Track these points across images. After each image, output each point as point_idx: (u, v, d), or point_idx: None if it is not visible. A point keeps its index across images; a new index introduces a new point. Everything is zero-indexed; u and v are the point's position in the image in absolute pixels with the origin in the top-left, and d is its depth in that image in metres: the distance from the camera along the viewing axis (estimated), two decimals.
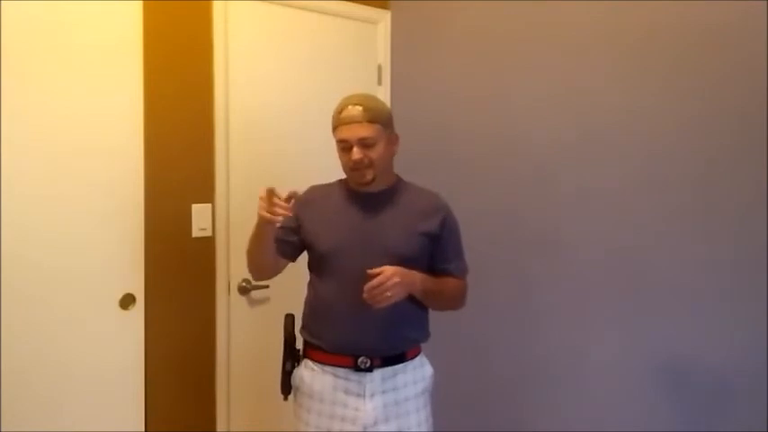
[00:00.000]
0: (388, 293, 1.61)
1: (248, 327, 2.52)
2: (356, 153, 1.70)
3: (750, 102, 1.86)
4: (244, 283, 2.49)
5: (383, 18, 2.91)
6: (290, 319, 1.85)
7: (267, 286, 2.53)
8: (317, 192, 1.90)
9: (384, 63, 2.92)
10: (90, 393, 2.14)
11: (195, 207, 2.36)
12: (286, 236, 1.84)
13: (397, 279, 1.61)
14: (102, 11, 2.10)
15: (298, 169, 2.63)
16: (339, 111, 1.74)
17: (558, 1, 2.30)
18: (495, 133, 2.53)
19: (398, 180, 1.86)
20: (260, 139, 2.53)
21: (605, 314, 2.21)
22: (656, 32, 2.06)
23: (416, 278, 1.70)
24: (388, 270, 1.61)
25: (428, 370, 1.85)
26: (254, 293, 2.53)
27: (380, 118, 1.73)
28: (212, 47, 2.37)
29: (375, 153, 1.72)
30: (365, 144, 1.71)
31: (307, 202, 1.85)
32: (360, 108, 1.70)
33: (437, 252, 1.81)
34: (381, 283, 1.59)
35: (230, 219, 2.45)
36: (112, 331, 2.18)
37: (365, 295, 1.60)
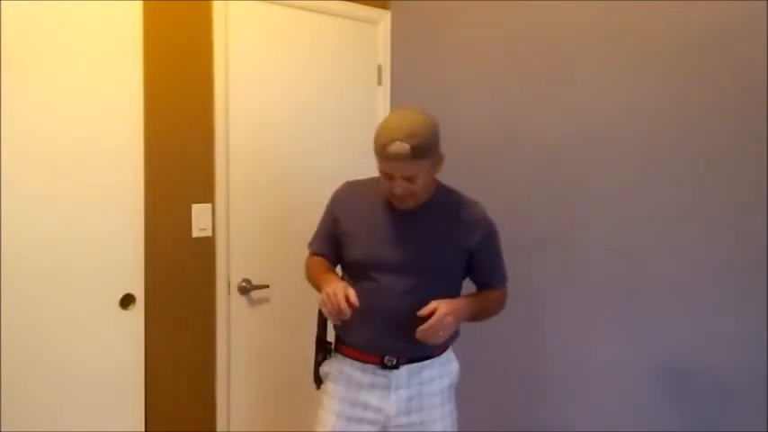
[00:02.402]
0: (441, 333, 1.61)
1: (248, 327, 2.52)
2: (399, 188, 1.64)
3: (750, 102, 1.86)
4: (244, 283, 2.49)
5: (383, 18, 2.91)
6: (321, 311, 1.81)
7: (267, 286, 2.53)
8: (355, 189, 1.86)
9: (384, 63, 2.93)
10: (90, 393, 2.14)
11: (195, 207, 2.36)
12: (330, 248, 1.86)
13: (449, 319, 1.61)
14: (102, 11, 2.10)
15: (298, 169, 2.63)
16: (384, 144, 1.58)
17: (557, 1, 2.30)
18: (495, 133, 2.53)
19: (438, 189, 1.79)
20: (260, 138, 2.53)
21: (605, 314, 2.21)
22: (655, 32, 2.06)
23: (464, 308, 1.69)
24: (440, 310, 1.60)
25: (454, 366, 1.85)
26: (254, 293, 2.53)
27: (428, 151, 1.61)
28: (212, 47, 2.37)
29: (418, 185, 1.65)
30: (410, 179, 1.63)
31: (344, 200, 1.85)
32: (407, 147, 1.56)
33: (477, 265, 1.80)
34: (435, 325, 1.59)
35: (230, 219, 2.45)
36: (112, 331, 2.17)
37: (418, 336, 1.60)
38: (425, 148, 1.60)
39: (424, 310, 1.61)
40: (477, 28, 2.59)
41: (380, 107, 2.90)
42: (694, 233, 2.00)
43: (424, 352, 1.76)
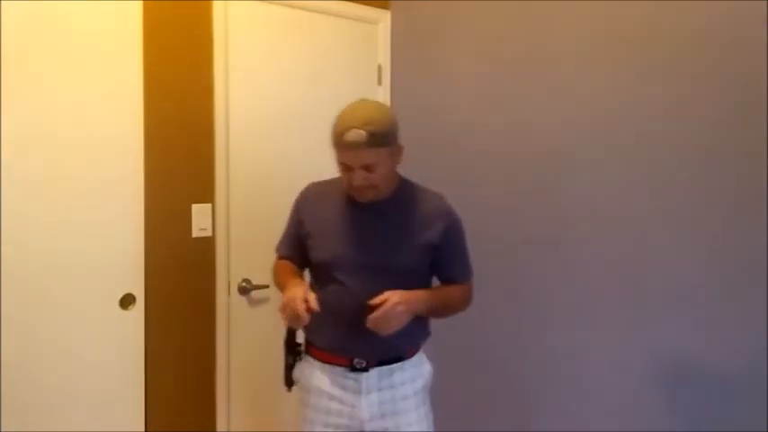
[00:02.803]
0: (393, 322, 1.59)
1: (248, 327, 2.52)
2: (358, 179, 1.63)
3: (750, 101, 1.86)
4: (244, 283, 2.49)
5: (383, 18, 2.91)
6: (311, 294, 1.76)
7: (267, 286, 2.53)
8: (318, 190, 1.86)
9: (384, 63, 2.93)
10: (90, 393, 2.14)
11: (195, 207, 2.36)
12: (296, 251, 1.85)
13: (401, 308, 1.59)
14: (102, 11, 2.10)
15: (298, 169, 2.63)
16: (340, 132, 1.59)
17: (557, 1, 2.30)
18: (495, 133, 2.53)
19: (401, 184, 1.78)
20: (260, 138, 2.53)
21: (605, 314, 2.21)
22: (655, 32, 2.06)
23: (420, 299, 1.67)
24: (391, 299, 1.58)
25: (427, 367, 1.84)
26: (254, 293, 2.53)
27: (386, 140, 1.61)
28: (212, 47, 2.37)
29: (378, 175, 1.64)
30: (368, 168, 1.62)
31: (308, 202, 1.84)
32: (364, 134, 1.55)
33: (440, 259, 1.77)
34: (386, 314, 1.57)
35: (230, 219, 2.45)
36: (112, 331, 2.18)
37: (369, 325, 1.59)
38: (382, 136, 1.59)
39: (376, 300, 1.58)
40: (477, 28, 2.59)
41: None
42: (694, 233, 1.99)
43: (392, 352, 1.74)
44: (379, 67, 2.92)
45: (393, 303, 1.58)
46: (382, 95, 2.91)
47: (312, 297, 1.60)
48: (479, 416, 2.58)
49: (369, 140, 1.56)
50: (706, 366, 1.98)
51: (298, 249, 1.85)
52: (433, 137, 2.72)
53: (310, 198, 1.84)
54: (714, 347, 1.96)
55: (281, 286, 1.77)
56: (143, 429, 2.25)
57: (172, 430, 2.32)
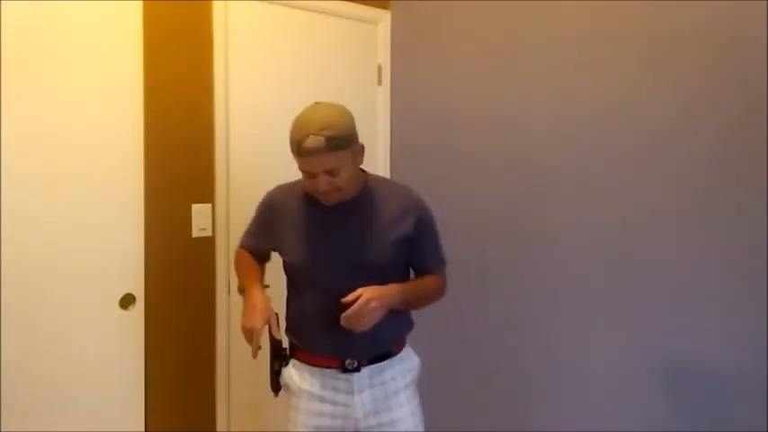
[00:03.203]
0: (366, 319, 1.58)
1: None
2: (323, 184, 1.61)
3: (750, 101, 1.86)
4: None
5: (383, 18, 2.92)
6: (274, 319, 1.73)
7: (267, 286, 2.52)
8: (282, 193, 1.83)
9: (384, 63, 2.93)
10: (90, 393, 2.14)
11: (195, 207, 2.36)
12: (260, 245, 1.86)
13: (374, 303, 1.58)
14: (102, 11, 2.10)
15: (298, 169, 2.63)
16: (298, 140, 1.57)
17: (558, 1, 2.30)
18: (494, 133, 2.53)
19: (366, 182, 1.76)
20: (260, 138, 2.53)
21: (605, 314, 2.21)
22: (655, 33, 2.06)
23: (393, 293, 1.65)
24: (363, 296, 1.57)
25: (415, 361, 1.84)
26: None
27: (345, 142, 1.57)
28: (212, 47, 2.37)
29: (342, 179, 1.61)
30: (331, 173, 1.59)
31: (274, 205, 1.82)
32: (322, 139, 1.53)
33: (413, 251, 1.76)
34: (358, 311, 1.56)
35: (230, 219, 2.45)
36: (112, 331, 2.18)
37: (342, 323, 1.58)
38: (341, 139, 1.56)
39: (349, 297, 1.58)
40: (476, 28, 2.59)
41: (380, 107, 2.90)
42: (694, 233, 1.99)
43: (382, 348, 1.74)
44: (379, 67, 2.92)
45: (365, 300, 1.57)
46: (382, 95, 2.91)
47: (274, 323, 1.67)
48: (478, 416, 2.58)
49: (328, 145, 1.54)
50: (706, 366, 1.98)
51: (262, 244, 1.85)
52: (432, 137, 2.72)
53: (278, 200, 1.82)
54: (714, 347, 1.96)
55: (242, 286, 1.81)
56: (143, 429, 2.25)
57: (172, 430, 2.33)
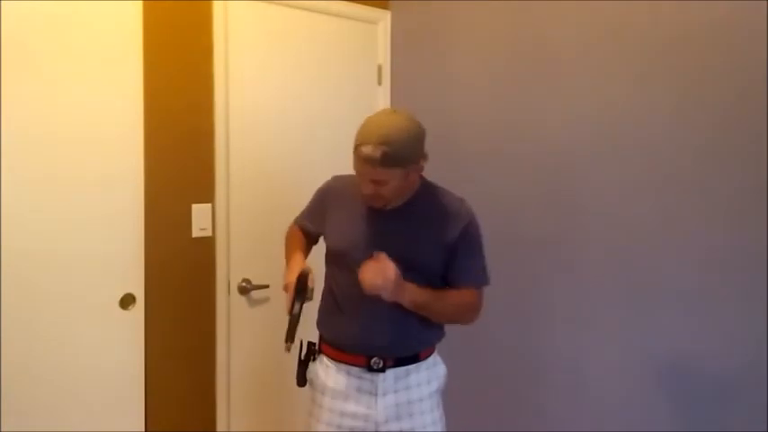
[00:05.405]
0: (380, 280, 1.55)
1: (248, 327, 2.52)
2: (367, 188, 1.64)
3: (750, 101, 1.86)
4: (244, 283, 2.49)
5: (383, 18, 2.91)
6: (309, 272, 1.74)
7: (267, 286, 2.53)
8: (341, 182, 1.87)
9: (384, 63, 2.92)
10: (90, 393, 2.14)
11: (195, 207, 2.36)
12: (311, 226, 1.91)
13: (391, 272, 1.56)
14: (102, 11, 2.10)
15: (298, 169, 2.63)
16: (358, 143, 1.58)
17: (558, 0, 2.30)
18: (495, 133, 2.53)
19: (421, 188, 1.77)
20: (260, 138, 2.53)
21: (605, 314, 2.21)
22: (656, 32, 2.06)
23: (411, 286, 1.64)
24: (384, 255, 1.58)
25: (441, 369, 1.83)
26: (254, 293, 2.53)
27: (400, 161, 1.57)
28: (212, 47, 2.37)
29: (386, 189, 1.63)
30: (378, 183, 1.61)
31: (331, 191, 1.87)
32: (378, 153, 1.53)
33: (451, 261, 1.73)
34: (376, 264, 1.56)
35: (230, 219, 2.45)
36: (112, 331, 2.17)
37: (360, 275, 1.58)
38: (397, 158, 1.56)
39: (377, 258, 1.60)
40: (476, 28, 2.59)
41: (380, 107, 2.89)
42: (694, 233, 2.00)
43: (410, 350, 1.74)
44: (379, 67, 2.92)
45: (386, 260, 1.57)
46: (382, 95, 2.91)
47: (311, 276, 1.70)
48: (478, 416, 2.58)
49: (382, 160, 1.54)
50: (706, 366, 1.98)
51: (312, 226, 1.90)
52: (432, 137, 2.70)
53: (335, 188, 1.87)
54: (714, 347, 1.96)
55: (286, 257, 1.86)
56: (143, 429, 2.25)
57: (172, 430, 2.32)
